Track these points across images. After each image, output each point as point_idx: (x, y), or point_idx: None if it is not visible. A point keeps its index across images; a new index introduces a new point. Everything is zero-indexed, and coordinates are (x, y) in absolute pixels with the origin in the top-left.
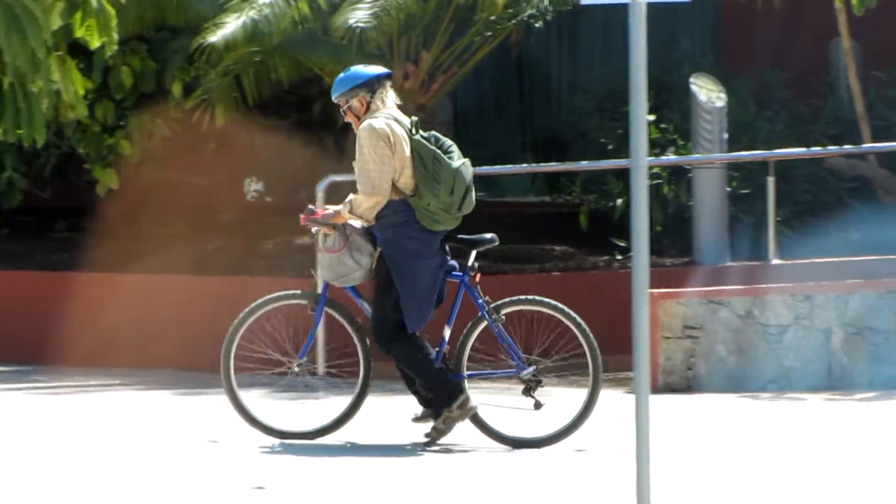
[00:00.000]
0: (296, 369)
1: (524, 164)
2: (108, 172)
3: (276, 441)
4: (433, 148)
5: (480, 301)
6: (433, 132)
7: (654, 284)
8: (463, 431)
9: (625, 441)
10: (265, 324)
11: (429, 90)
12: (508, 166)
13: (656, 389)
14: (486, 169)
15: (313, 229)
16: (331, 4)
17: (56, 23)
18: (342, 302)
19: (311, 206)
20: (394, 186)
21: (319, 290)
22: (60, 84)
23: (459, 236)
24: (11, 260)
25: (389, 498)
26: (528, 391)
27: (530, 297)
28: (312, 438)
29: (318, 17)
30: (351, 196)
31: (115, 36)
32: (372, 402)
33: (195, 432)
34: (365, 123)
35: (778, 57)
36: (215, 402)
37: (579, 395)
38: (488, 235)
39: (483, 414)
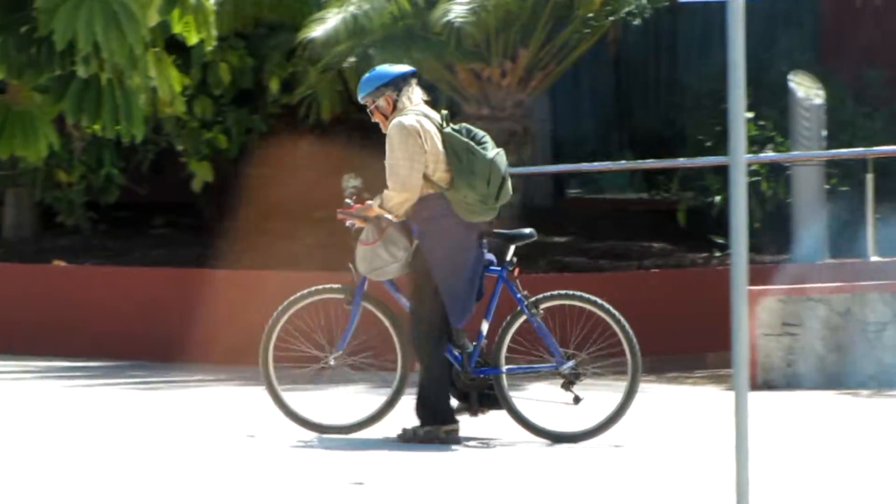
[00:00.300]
0: (332, 363)
1: (622, 161)
2: (203, 165)
3: (352, 435)
4: (466, 140)
5: (519, 296)
6: (464, 124)
7: (752, 281)
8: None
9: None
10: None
11: (526, 87)
12: (606, 163)
13: (755, 386)
14: (583, 166)
15: (348, 223)
16: (429, 1)
17: (154, 19)
18: (380, 296)
19: (347, 200)
20: (429, 181)
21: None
22: (157, 80)
23: (497, 231)
24: (109, 256)
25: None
26: (567, 385)
27: (569, 292)
28: (349, 433)
29: (417, 13)
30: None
31: (214, 32)
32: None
33: (287, 427)
34: (395, 121)
35: (876, 54)
36: (312, 397)
37: (619, 389)
38: (527, 230)
39: (521, 408)
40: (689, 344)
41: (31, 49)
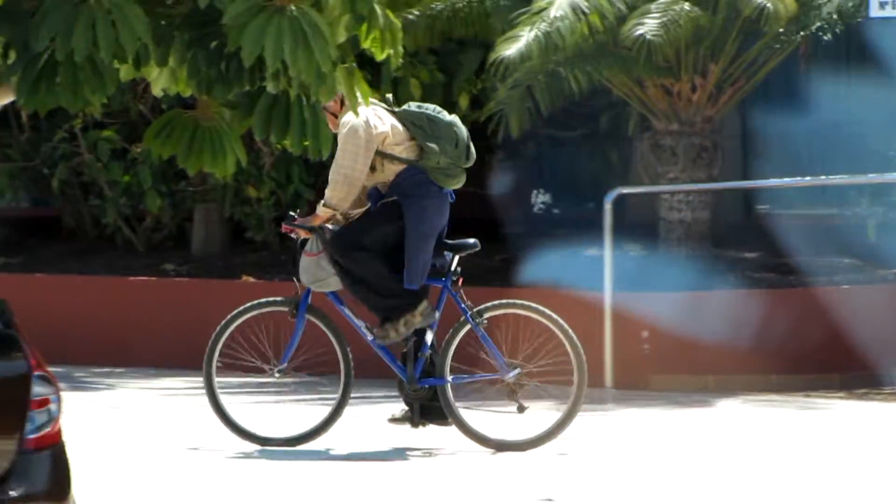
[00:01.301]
0: (276, 375)
1: (811, 177)
2: None
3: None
4: (422, 111)
5: (463, 305)
6: (411, 102)
7: None
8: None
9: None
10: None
11: (716, 102)
12: (795, 178)
13: None
14: (773, 181)
15: (293, 234)
16: (619, 17)
17: (342, 35)
18: (323, 308)
19: (292, 213)
20: (398, 159)
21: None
22: (346, 96)
23: (443, 240)
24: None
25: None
26: (511, 394)
27: (515, 301)
28: (293, 445)
29: (608, 29)
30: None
31: (401, 48)
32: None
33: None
34: (344, 120)
35: None
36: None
37: (565, 398)
38: (471, 241)
39: (467, 417)
40: (880, 360)
41: (220, 65)
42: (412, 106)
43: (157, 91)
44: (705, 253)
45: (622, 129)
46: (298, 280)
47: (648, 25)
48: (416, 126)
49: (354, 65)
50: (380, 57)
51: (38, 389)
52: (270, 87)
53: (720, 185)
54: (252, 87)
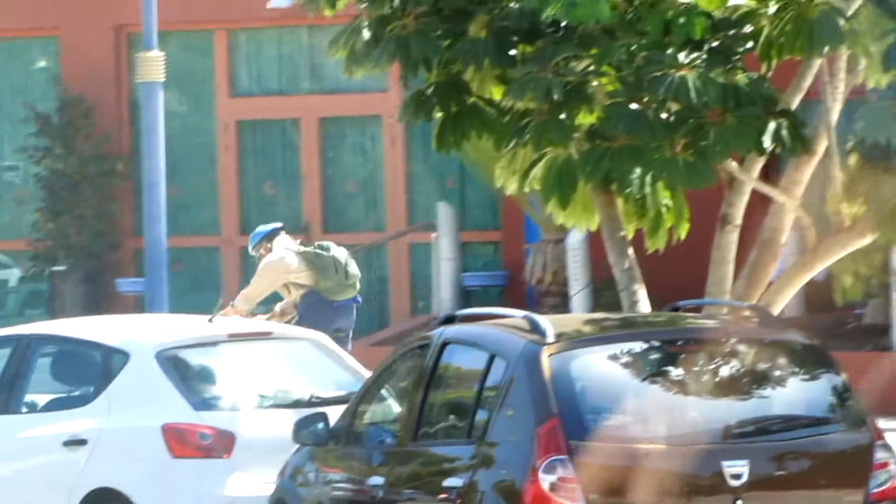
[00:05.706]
0: None
1: None
2: None
3: None
4: (312, 251)
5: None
6: (317, 242)
7: None
8: None
9: None
10: None
11: None
12: None
13: None
14: None
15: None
16: None
17: None
18: None
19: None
20: (301, 284)
21: None
22: None
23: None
24: None
25: None
26: None
27: None
28: None
29: None
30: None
31: None
32: None
33: None
34: (265, 259)
35: None
36: None
37: None
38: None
39: None
40: None
41: None
42: (311, 246)
43: None
44: None
45: None
46: None
47: None
48: (310, 262)
49: None
50: None
51: (879, 455)
52: None
53: None
54: None
